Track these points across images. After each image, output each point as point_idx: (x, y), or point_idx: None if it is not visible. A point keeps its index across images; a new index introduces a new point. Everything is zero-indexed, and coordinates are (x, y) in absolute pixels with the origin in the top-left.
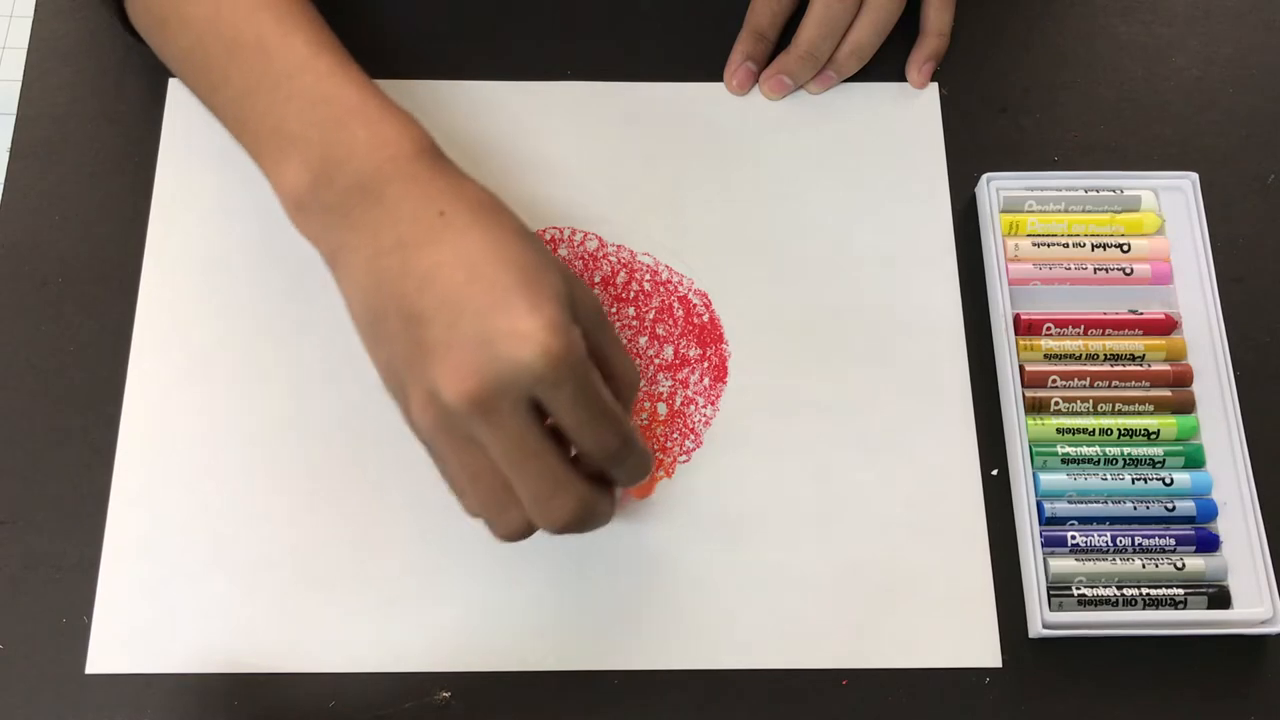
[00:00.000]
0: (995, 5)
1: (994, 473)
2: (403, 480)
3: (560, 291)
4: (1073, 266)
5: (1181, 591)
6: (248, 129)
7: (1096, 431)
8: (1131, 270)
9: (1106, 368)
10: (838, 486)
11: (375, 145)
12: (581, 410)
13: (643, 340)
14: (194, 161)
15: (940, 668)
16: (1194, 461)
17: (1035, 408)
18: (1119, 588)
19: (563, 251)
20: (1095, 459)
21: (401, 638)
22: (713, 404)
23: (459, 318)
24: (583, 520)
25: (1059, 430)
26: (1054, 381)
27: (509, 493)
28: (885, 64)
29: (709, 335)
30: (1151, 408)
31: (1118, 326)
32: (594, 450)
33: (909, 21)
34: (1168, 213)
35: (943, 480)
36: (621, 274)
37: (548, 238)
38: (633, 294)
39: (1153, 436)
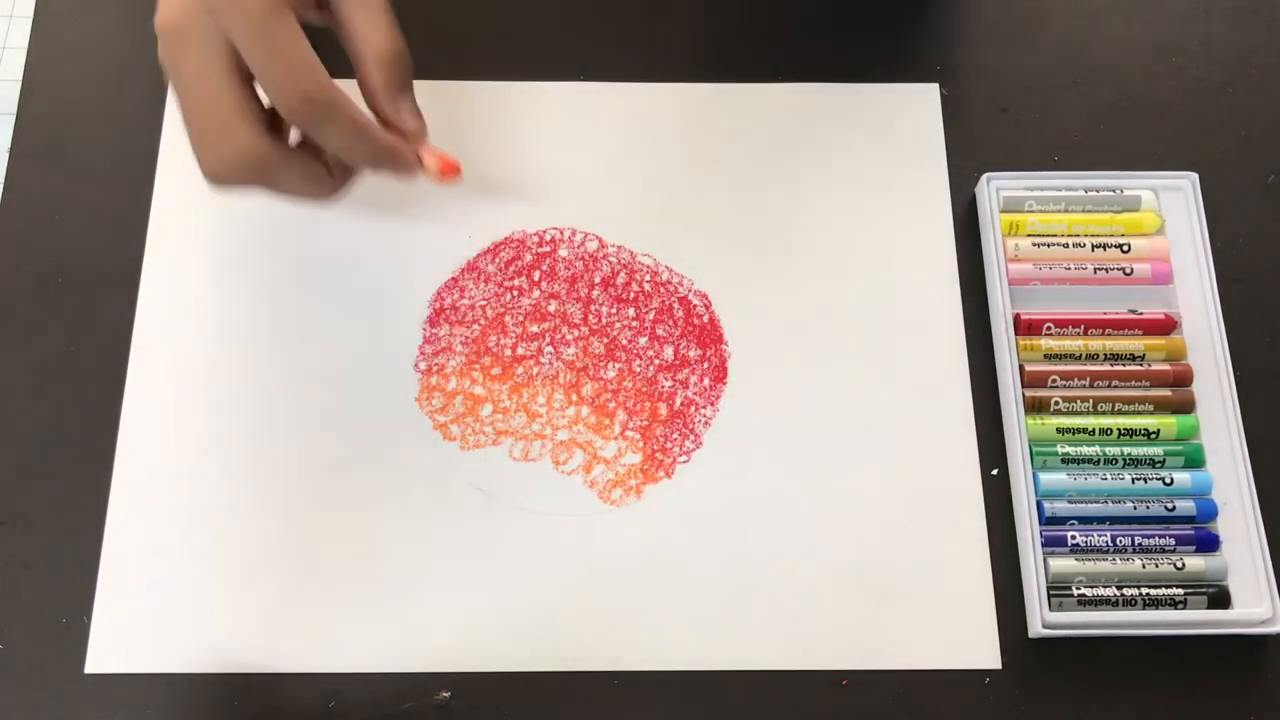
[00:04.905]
0: (995, 5)
1: (994, 473)
2: (402, 480)
3: None
4: (1073, 266)
5: (1181, 591)
6: None
7: (1096, 431)
8: (1131, 270)
9: (1106, 367)
10: (837, 486)
11: None
12: (257, 52)
13: (643, 341)
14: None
15: (940, 668)
16: (1194, 461)
17: (1035, 407)
18: (1119, 588)
19: (563, 252)
20: (1095, 459)
21: (401, 638)
22: (713, 404)
23: None
24: (252, 171)
25: (1059, 430)
26: (1054, 381)
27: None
28: (885, 64)
29: (709, 336)
30: (1151, 407)
31: (1118, 326)
32: (276, 100)
33: (912, 21)
34: (1168, 213)
35: (943, 480)
36: (621, 274)
37: (548, 238)
38: (633, 295)
39: (1152, 436)
